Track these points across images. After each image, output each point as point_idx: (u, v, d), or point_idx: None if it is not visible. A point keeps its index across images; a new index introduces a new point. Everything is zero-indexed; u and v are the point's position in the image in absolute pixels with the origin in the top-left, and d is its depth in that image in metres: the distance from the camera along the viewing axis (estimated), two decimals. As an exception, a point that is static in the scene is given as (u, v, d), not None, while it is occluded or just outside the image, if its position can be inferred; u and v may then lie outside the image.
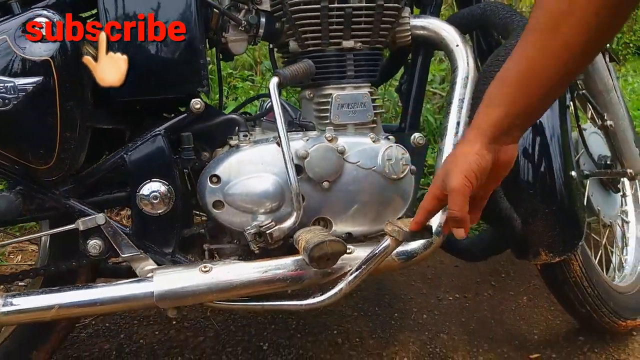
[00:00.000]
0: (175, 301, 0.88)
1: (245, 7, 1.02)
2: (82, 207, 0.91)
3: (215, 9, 1.00)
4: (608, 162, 1.37)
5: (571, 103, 1.18)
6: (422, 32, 1.11)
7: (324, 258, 0.83)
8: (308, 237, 0.85)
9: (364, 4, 1.00)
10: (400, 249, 0.98)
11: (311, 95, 1.07)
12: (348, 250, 0.94)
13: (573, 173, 1.11)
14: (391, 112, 2.26)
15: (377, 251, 0.92)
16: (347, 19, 1.00)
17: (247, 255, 0.98)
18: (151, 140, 0.94)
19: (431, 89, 2.46)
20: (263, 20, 1.03)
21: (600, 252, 1.39)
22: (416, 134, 1.11)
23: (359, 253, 0.96)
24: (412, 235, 0.87)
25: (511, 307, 1.51)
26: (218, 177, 0.95)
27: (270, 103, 1.07)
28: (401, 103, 1.24)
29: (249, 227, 0.92)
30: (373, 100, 1.06)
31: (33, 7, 0.81)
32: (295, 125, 1.05)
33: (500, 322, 1.44)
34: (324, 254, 0.82)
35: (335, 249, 0.83)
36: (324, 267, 0.86)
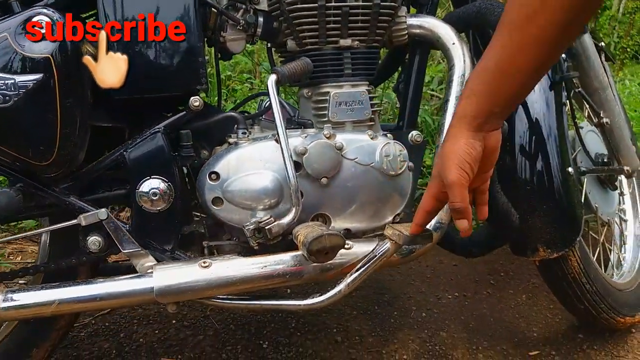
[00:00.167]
0: (175, 296, 0.88)
1: (243, 6, 1.03)
2: (82, 204, 0.92)
3: (213, 9, 1.01)
4: (605, 160, 1.38)
5: (567, 101, 1.19)
6: (418, 30, 1.12)
7: (323, 252, 0.83)
8: (307, 231, 0.86)
9: (361, 3, 1.01)
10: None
11: (309, 93, 1.08)
12: (346, 246, 0.95)
13: (570, 169, 1.12)
14: (389, 114, 2.27)
15: (376, 254, 0.93)
16: (344, 17, 1.01)
17: (246, 252, 0.99)
18: (151, 138, 0.94)
19: (429, 91, 2.47)
20: (261, 19, 1.04)
21: (598, 249, 1.39)
22: (414, 132, 1.11)
23: (358, 249, 0.96)
24: (412, 239, 0.89)
25: (510, 306, 1.51)
26: (217, 174, 0.95)
27: (268, 102, 1.08)
28: (399, 102, 1.24)
29: (248, 223, 0.92)
30: (371, 98, 1.06)
31: (33, 6, 0.82)
32: (293, 123, 1.06)
33: (500, 320, 1.44)
34: (323, 247, 0.83)
35: (334, 243, 0.83)
36: (323, 261, 0.86)
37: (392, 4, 1.04)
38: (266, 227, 0.91)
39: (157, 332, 1.34)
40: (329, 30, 1.02)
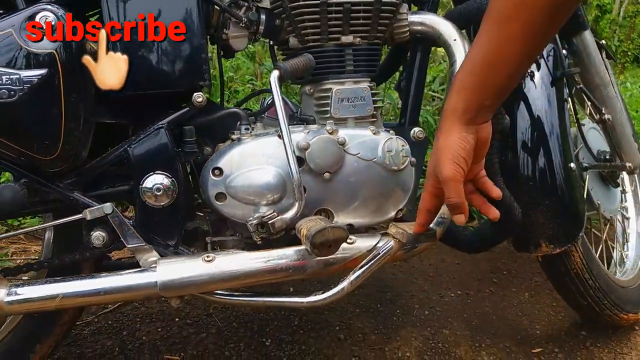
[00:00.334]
0: (179, 290, 0.88)
1: (246, 4, 1.04)
2: (86, 199, 0.92)
3: (216, 6, 1.01)
4: (607, 157, 1.38)
5: (569, 98, 1.19)
6: (420, 27, 1.12)
7: (326, 245, 0.84)
8: (310, 225, 0.86)
9: (362, 0, 1.01)
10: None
11: (311, 90, 1.08)
12: (349, 240, 0.95)
13: (572, 165, 1.12)
14: (391, 115, 2.28)
15: (380, 252, 0.94)
16: (346, 14, 1.02)
17: (249, 248, 0.99)
18: (154, 134, 0.95)
19: (430, 92, 2.48)
20: (263, 17, 1.04)
21: (600, 247, 1.39)
22: (416, 129, 1.12)
23: (361, 244, 0.97)
24: (416, 238, 0.90)
25: (513, 304, 1.51)
26: (220, 169, 0.96)
27: (271, 99, 1.09)
28: (400, 100, 1.25)
29: (251, 218, 0.93)
30: (373, 95, 1.07)
31: (38, 2, 0.83)
32: (296, 119, 1.07)
33: (502, 318, 1.44)
34: (326, 240, 0.83)
35: (337, 236, 0.84)
36: (326, 255, 0.86)
37: (394, 0, 1.04)
38: (269, 222, 0.91)
39: (160, 330, 1.34)
40: (331, 27, 1.02)
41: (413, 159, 1.04)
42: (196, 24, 0.94)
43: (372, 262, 0.94)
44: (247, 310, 1.43)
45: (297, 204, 0.92)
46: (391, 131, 1.05)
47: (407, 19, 1.11)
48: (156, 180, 0.94)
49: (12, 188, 0.84)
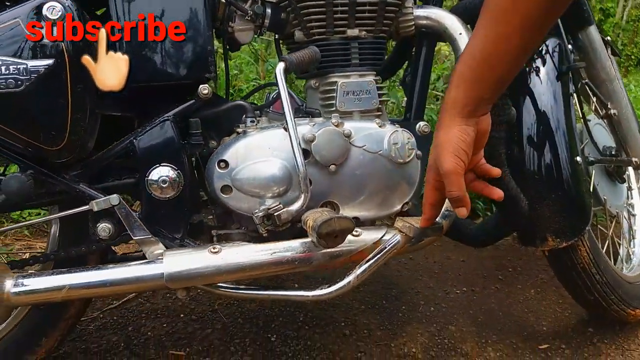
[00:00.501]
0: (185, 282, 0.88)
1: (251, -3, 1.04)
2: (92, 191, 0.92)
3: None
4: (613, 152, 1.38)
5: (575, 92, 1.19)
6: (425, 22, 1.12)
7: (332, 235, 0.83)
8: (316, 216, 0.86)
9: (368, -7, 1.01)
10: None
11: (317, 84, 1.08)
12: (355, 233, 0.95)
13: (578, 158, 1.12)
14: (395, 113, 2.27)
15: (386, 246, 0.93)
16: (352, 7, 1.02)
17: (255, 241, 0.99)
18: (160, 126, 0.95)
19: (434, 92, 2.48)
20: (269, 10, 1.05)
21: (607, 243, 1.39)
22: (421, 123, 1.11)
23: (366, 236, 0.96)
24: (423, 232, 0.90)
25: (519, 300, 1.51)
26: (226, 162, 0.96)
27: (275, 93, 1.09)
28: (405, 95, 1.25)
29: (257, 210, 0.92)
30: (378, 89, 1.07)
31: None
32: (301, 111, 1.07)
33: (509, 314, 1.43)
34: (332, 230, 0.83)
35: (343, 226, 0.83)
36: (332, 246, 0.86)
37: (399, -6, 1.04)
38: (275, 214, 0.91)
39: (165, 325, 1.34)
40: (337, 20, 1.02)
41: (419, 152, 1.04)
42: (202, 16, 0.94)
43: (379, 255, 0.93)
44: (252, 306, 1.43)
45: (302, 196, 0.92)
46: (397, 125, 1.05)
47: (412, 12, 1.11)
48: (162, 172, 0.94)
49: (18, 178, 0.84)
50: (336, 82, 1.04)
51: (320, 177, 0.97)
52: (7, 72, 0.79)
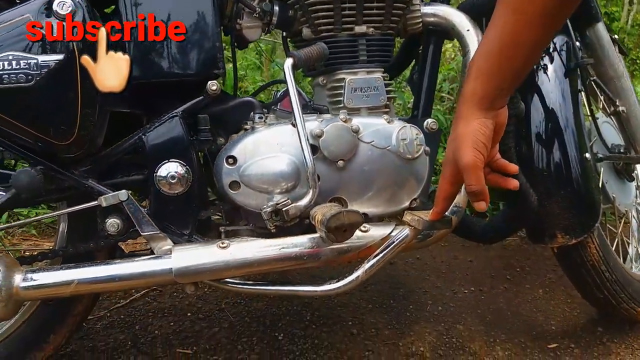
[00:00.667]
0: (194, 277, 0.88)
1: (259, -6, 1.05)
2: (101, 187, 0.92)
3: (230, -4, 1.02)
4: (621, 151, 1.37)
5: (583, 89, 1.19)
6: (433, 19, 1.12)
7: (341, 229, 0.83)
8: (324, 211, 0.86)
9: (376, -10, 1.02)
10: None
11: (324, 81, 1.08)
12: (363, 228, 0.94)
13: (587, 155, 1.11)
14: (401, 114, 2.27)
15: (395, 240, 0.93)
16: (359, 4, 1.02)
17: (263, 237, 0.98)
18: (169, 122, 0.95)
19: (440, 93, 2.48)
20: (276, 8, 1.05)
21: (616, 241, 1.38)
22: (429, 120, 1.11)
23: (375, 232, 0.96)
24: (432, 225, 0.89)
25: (527, 300, 1.50)
26: (234, 158, 0.96)
27: (283, 91, 1.09)
28: (413, 94, 1.25)
29: (265, 206, 0.92)
30: (386, 85, 1.07)
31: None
32: (309, 108, 1.07)
33: (517, 314, 1.42)
34: (341, 224, 0.82)
35: (352, 220, 0.83)
36: (341, 240, 0.85)
37: (407, -10, 1.04)
38: (283, 209, 0.90)
39: (172, 324, 1.33)
40: (344, 17, 1.03)
41: (427, 148, 1.03)
42: (211, 13, 0.95)
43: (387, 250, 0.93)
44: (259, 305, 1.42)
45: (311, 191, 0.92)
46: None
47: (420, 10, 1.11)
48: (170, 168, 0.94)
49: (28, 173, 0.84)
50: (344, 78, 1.04)
51: (328, 173, 0.97)
52: (18, 67, 0.79)
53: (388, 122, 1.01)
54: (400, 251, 0.94)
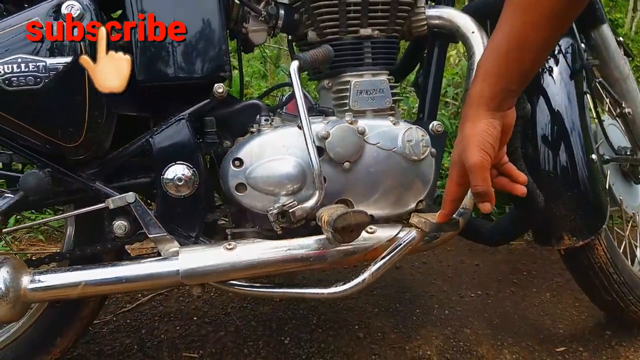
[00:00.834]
0: (201, 278, 0.88)
1: (265, -1, 1.05)
2: (108, 190, 0.93)
3: (236, 0, 1.03)
4: (628, 152, 1.36)
5: (588, 91, 1.18)
6: (437, 21, 1.13)
7: (348, 229, 0.83)
8: (331, 211, 0.86)
9: (381, -7, 1.02)
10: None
11: (329, 84, 1.09)
12: (370, 230, 0.94)
13: (594, 156, 1.11)
14: (406, 119, 2.27)
15: (402, 242, 0.92)
16: (365, 7, 1.03)
17: (269, 239, 0.98)
18: (175, 124, 0.96)
19: (445, 98, 2.48)
20: (282, 12, 1.06)
21: (623, 244, 1.37)
22: (434, 122, 1.11)
23: (381, 233, 0.96)
24: (439, 227, 0.88)
25: (534, 303, 1.49)
26: (240, 160, 0.96)
27: (289, 94, 1.10)
28: (418, 97, 1.25)
29: (271, 208, 0.92)
30: (391, 87, 1.07)
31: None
32: (315, 110, 1.07)
33: (524, 317, 1.41)
34: (348, 224, 0.82)
35: (359, 220, 0.83)
36: (348, 240, 0.85)
37: (411, -7, 1.05)
38: (290, 211, 0.91)
39: (178, 328, 1.33)
40: (350, 20, 1.03)
41: (433, 150, 1.03)
42: (217, 16, 0.95)
43: (394, 252, 0.92)
44: (265, 309, 1.42)
45: (317, 193, 0.92)
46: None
47: (425, 12, 1.11)
48: (177, 170, 0.94)
49: (36, 175, 0.85)
50: (349, 81, 1.05)
51: (334, 175, 0.97)
52: (27, 69, 0.80)
53: (394, 124, 1.01)
54: (407, 253, 0.94)
